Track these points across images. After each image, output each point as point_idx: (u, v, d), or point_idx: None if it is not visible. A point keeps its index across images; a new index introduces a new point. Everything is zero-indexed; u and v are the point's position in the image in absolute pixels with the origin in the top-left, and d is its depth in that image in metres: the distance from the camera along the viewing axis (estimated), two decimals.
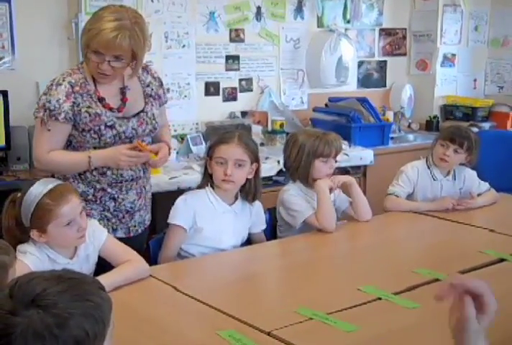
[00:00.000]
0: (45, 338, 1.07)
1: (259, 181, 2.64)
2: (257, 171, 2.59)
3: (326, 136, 2.75)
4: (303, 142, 2.73)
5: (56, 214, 1.98)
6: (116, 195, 2.53)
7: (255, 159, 2.56)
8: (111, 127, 2.45)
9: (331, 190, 2.74)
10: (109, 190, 2.52)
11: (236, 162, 2.49)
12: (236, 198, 2.60)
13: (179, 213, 2.50)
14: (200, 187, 2.60)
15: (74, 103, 2.39)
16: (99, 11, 2.39)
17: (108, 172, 2.50)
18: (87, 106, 2.41)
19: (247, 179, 2.56)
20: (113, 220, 2.56)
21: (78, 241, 2.09)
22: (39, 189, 1.99)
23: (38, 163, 2.51)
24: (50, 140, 2.43)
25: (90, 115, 2.41)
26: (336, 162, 2.81)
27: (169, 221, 2.51)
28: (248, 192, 2.60)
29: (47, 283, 1.12)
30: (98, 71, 2.39)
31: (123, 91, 2.52)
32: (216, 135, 2.73)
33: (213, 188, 2.56)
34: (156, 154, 2.50)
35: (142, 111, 2.55)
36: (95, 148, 2.46)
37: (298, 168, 2.76)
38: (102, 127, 2.43)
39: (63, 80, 2.40)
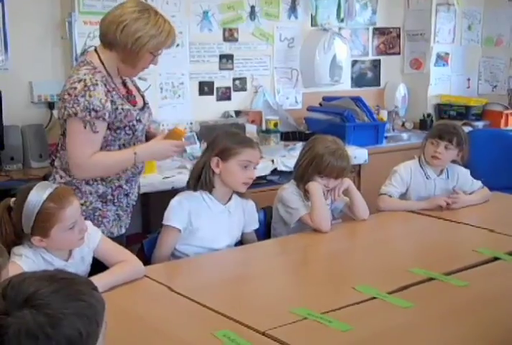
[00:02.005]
0: (38, 338, 1.07)
1: None
2: None
3: (337, 153, 2.73)
4: (316, 154, 2.72)
5: (60, 217, 1.95)
6: (128, 191, 2.53)
7: None
8: (139, 121, 2.47)
9: (325, 194, 2.75)
10: (124, 186, 2.51)
11: (254, 165, 2.56)
12: (230, 198, 2.60)
13: (174, 215, 2.49)
14: (195, 187, 2.57)
15: (112, 101, 2.37)
16: (138, 17, 2.33)
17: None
18: (120, 103, 2.41)
19: None
20: (124, 217, 2.55)
21: (79, 243, 2.07)
22: (39, 194, 1.95)
23: (79, 169, 2.37)
24: (94, 142, 2.35)
25: (124, 111, 2.41)
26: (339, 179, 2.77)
27: (164, 222, 2.50)
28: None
29: (39, 283, 1.11)
30: (148, 67, 2.49)
31: (125, 85, 2.52)
32: (226, 136, 2.61)
33: (209, 190, 2.54)
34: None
35: (144, 102, 2.57)
36: (123, 145, 2.44)
37: (303, 175, 2.76)
38: (134, 122, 2.44)
39: (96, 80, 2.33)
